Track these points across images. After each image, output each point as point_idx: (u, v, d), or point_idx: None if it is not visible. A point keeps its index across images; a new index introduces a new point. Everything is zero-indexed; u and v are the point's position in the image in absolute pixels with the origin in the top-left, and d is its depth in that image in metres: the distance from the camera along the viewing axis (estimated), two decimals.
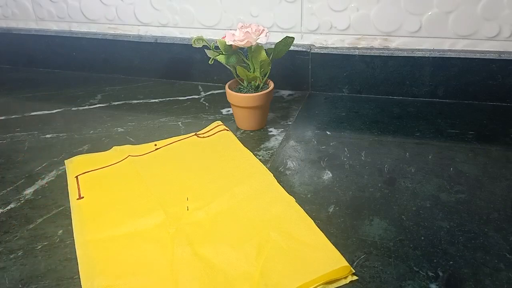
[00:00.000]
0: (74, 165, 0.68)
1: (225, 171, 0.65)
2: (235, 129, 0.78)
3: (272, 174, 0.63)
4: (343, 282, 0.46)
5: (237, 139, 0.73)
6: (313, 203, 0.58)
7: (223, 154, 0.69)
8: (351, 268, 0.47)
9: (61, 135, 0.79)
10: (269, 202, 0.58)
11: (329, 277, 0.45)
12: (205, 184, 0.63)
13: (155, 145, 0.73)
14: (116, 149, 0.73)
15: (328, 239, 0.51)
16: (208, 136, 0.75)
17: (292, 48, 0.86)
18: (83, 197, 0.61)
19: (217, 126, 0.77)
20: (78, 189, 0.63)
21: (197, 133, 0.76)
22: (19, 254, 0.52)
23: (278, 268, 0.47)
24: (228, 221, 0.55)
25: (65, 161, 0.70)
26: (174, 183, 0.63)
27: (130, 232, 0.54)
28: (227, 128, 0.76)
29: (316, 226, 0.53)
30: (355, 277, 0.46)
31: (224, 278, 0.47)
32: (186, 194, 0.61)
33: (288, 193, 0.59)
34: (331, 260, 0.47)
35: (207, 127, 0.78)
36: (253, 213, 0.56)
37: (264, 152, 0.70)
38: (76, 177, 0.65)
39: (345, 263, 0.47)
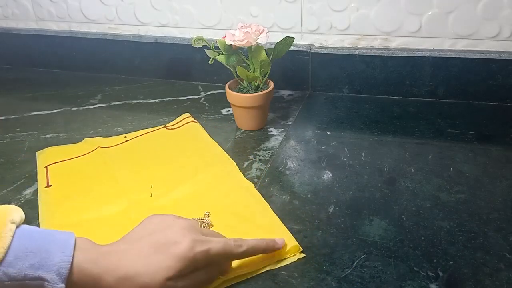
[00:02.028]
0: (45, 156, 0.70)
1: (190, 160, 0.68)
2: (235, 129, 0.78)
3: (234, 163, 0.66)
4: (291, 260, 0.49)
5: (204, 130, 0.76)
6: (313, 203, 0.58)
7: (189, 145, 0.72)
8: (300, 247, 0.50)
9: (61, 135, 0.78)
10: (229, 188, 0.61)
11: (279, 257, 0.49)
12: (169, 173, 0.65)
13: (125, 137, 0.76)
14: (86, 141, 0.75)
15: (328, 239, 0.51)
16: (176, 128, 0.78)
17: (292, 48, 0.86)
18: (51, 185, 0.63)
19: (186, 118, 0.80)
20: (47, 178, 0.65)
21: (166, 125, 0.79)
22: None
23: None
24: (189, 207, 0.58)
25: (36, 152, 0.71)
26: (140, 172, 0.66)
27: (94, 218, 0.56)
28: (194, 120, 0.79)
29: (271, 210, 0.56)
30: (302, 255, 0.49)
31: None
32: (151, 182, 0.63)
33: (288, 193, 0.59)
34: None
35: (176, 119, 0.81)
36: (213, 199, 0.59)
37: (264, 152, 0.70)
38: (46, 167, 0.67)
39: (294, 242, 0.50)
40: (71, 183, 0.64)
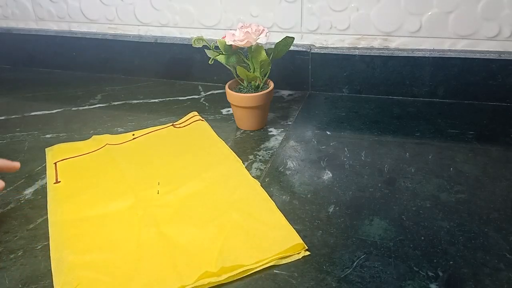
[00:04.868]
0: (54, 153, 0.71)
1: (196, 158, 0.69)
2: (235, 129, 0.78)
3: (241, 161, 0.67)
4: (296, 257, 0.49)
5: (211, 128, 0.76)
6: (313, 203, 0.58)
7: (196, 143, 0.73)
8: (304, 245, 0.50)
9: (61, 135, 0.78)
10: (235, 186, 0.61)
11: (283, 254, 0.49)
12: (176, 170, 0.66)
13: (133, 134, 0.76)
14: (95, 138, 0.75)
15: (328, 239, 0.51)
16: (184, 126, 0.78)
17: (292, 48, 0.86)
18: (59, 181, 0.64)
19: (193, 116, 0.81)
20: (56, 174, 0.65)
21: (174, 123, 0.79)
22: (19, 254, 0.51)
23: (236, 246, 0.50)
24: (195, 204, 0.58)
25: (45, 149, 0.72)
26: (148, 169, 0.66)
27: (101, 213, 0.57)
28: (202, 119, 0.79)
29: (277, 208, 0.56)
30: (307, 252, 0.49)
31: (185, 255, 0.49)
32: (158, 179, 0.63)
33: (288, 193, 0.59)
34: (287, 238, 0.50)
35: (183, 118, 0.81)
36: (219, 196, 0.59)
37: (264, 152, 0.70)
38: (55, 163, 0.68)
39: (299, 240, 0.50)
40: (79, 180, 0.64)
